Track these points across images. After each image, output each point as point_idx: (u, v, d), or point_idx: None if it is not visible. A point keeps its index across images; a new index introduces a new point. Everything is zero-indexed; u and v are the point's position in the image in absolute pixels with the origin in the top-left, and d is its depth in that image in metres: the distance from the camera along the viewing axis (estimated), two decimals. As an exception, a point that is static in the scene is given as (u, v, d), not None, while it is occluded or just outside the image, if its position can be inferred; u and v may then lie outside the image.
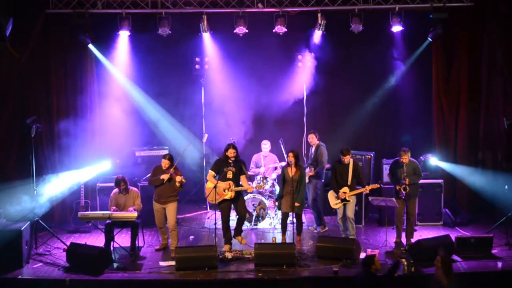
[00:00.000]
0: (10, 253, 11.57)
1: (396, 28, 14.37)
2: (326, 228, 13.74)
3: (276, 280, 10.99)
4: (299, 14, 14.55)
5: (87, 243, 12.58)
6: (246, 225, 13.48)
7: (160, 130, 15.58)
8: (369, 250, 12.01)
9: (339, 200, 12.65)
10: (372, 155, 14.78)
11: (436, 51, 14.91)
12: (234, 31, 14.48)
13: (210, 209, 15.13)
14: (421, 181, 13.32)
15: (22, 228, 11.72)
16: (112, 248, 12.10)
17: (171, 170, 12.17)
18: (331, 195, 12.83)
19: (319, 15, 14.39)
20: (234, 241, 12.53)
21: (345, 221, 12.76)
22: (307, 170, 13.65)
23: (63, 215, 14.38)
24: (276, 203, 12.96)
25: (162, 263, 11.81)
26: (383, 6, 14.33)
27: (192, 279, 11.03)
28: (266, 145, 14.87)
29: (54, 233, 13.09)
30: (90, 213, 12.88)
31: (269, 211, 14.06)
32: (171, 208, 12.31)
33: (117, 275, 11.26)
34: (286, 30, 14.46)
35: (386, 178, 13.89)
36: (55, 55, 14.61)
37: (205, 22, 14.46)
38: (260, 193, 14.15)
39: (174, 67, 15.54)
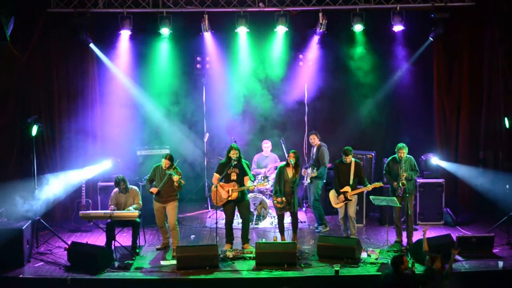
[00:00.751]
0: (11, 252, 11.59)
1: (398, 28, 14.35)
2: (328, 228, 13.74)
3: (277, 279, 10.98)
4: (300, 13, 14.55)
5: (88, 242, 12.55)
6: (249, 226, 13.47)
7: (161, 129, 15.57)
8: (370, 250, 12.00)
9: (341, 200, 12.64)
10: (373, 154, 14.79)
11: (437, 50, 14.90)
12: (235, 30, 14.48)
13: (211, 208, 15.12)
14: (422, 180, 13.34)
15: (23, 227, 11.73)
16: (113, 247, 12.12)
17: (171, 170, 12.15)
18: (332, 194, 12.83)
19: (320, 14, 14.38)
20: (235, 240, 12.53)
21: (346, 220, 12.76)
22: (309, 170, 13.65)
23: (64, 214, 14.39)
24: (279, 202, 12.85)
25: (163, 262, 11.82)
26: (384, 6, 14.33)
27: (193, 278, 11.03)
28: (267, 144, 14.87)
29: (55, 232, 13.09)
30: (91, 212, 12.89)
31: (270, 211, 14.06)
32: (171, 207, 12.31)
33: (118, 274, 11.27)
34: (287, 29, 14.46)
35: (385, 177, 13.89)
36: (56, 54, 14.60)
37: (206, 21, 14.46)
38: (261, 192, 14.15)
39: (175, 67, 15.52)
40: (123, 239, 12.89)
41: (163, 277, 11.18)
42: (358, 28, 14.39)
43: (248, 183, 12.42)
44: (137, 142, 15.30)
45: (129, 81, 15.26)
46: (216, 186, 12.24)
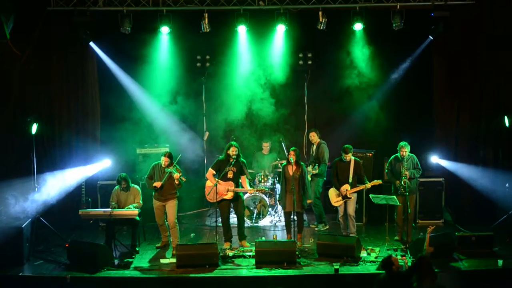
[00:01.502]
0: (11, 251, 11.61)
1: (398, 26, 14.34)
2: (327, 226, 13.76)
3: (277, 277, 10.98)
4: (300, 11, 14.52)
5: (88, 241, 12.59)
6: (247, 223, 13.51)
7: (161, 127, 15.55)
8: (369, 248, 12.00)
9: (340, 198, 12.65)
10: (373, 153, 14.78)
11: (437, 49, 14.91)
12: (235, 29, 14.47)
13: (210, 206, 15.13)
14: (422, 179, 13.32)
15: (23, 226, 11.75)
16: (113, 246, 12.12)
17: (171, 167, 12.16)
18: (332, 193, 12.84)
19: (320, 13, 14.36)
20: (234, 238, 12.55)
21: (346, 219, 12.77)
22: (309, 168, 13.66)
23: (64, 213, 14.38)
24: (279, 202, 12.93)
25: (162, 261, 11.82)
26: (384, 4, 14.31)
27: (193, 276, 11.03)
28: (266, 144, 14.88)
29: (55, 231, 13.10)
30: (91, 210, 12.87)
31: (269, 209, 14.07)
32: (171, 205, 12.31)
33: (117, 272, 11.27)
34: (287, 27, 14.45)
35: (387, 175, 13.90)
36: (56, 53, 14.61)
37: (206, 20, 14.43)
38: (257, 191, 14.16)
39: (175, 65, 15.51)
40: (123, 237, 12.90)
41: (162, 275, 11.17)
42: (358, 26, 14.38)
43: (247, 185, 12.42)
44: (137, 141, 15.29)
45: (129, 80, 15.26)
46: (216, 184, 12.24)
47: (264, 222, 14.07)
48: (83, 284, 11.01)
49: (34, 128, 12.96)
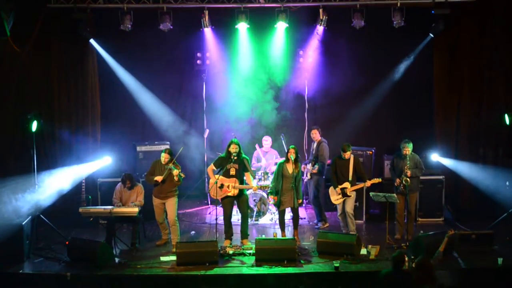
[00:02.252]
0: (12, 248, 11.60)
1: (398, 24, 14.33)
2: (327, 224, 13.76)
3: (277, 275, 10.99)
4: (300, 9, 14.52)
5: (88, 238, 12.59)
6: (248, 221, 13.48)
7: (161, 125, 15.55)
8: (369, 246, 12.00)
9: (340, 196, 12.65)
10: (373, 151, 14.78)
11: (437, 47, 14.90)
12: (236, 26, 14.46)
13: (211, 204, 15.14)
14: (422, 177, 13.31)
15: (23, 223, 11.75)
16: (113, 243, 12.13)
17: (171, 164, 12.16)
18: (331, 190, 12.84)
19: (320, 10, 14.36)
20: (234, 236, 12.55)
21: (345, 217, 12.78)
22: (309, 166, 13.66)
23: (64, 210, 14.37)
24: (272, 199, 12.91)
25: (163, 258, 11.82)
26: (384, 2, 14.31)
27: (193, 274, 11.04)
28: (267, 141, 14.88)
29: (55, 228, 13.10)
30: (91, 208, 12.86)
31: (270, 207, 14.08)
32: (171, 203, 12.32)
33: (118, 270, 11.28)
34: (287, 25, 14.44)
35: (387, 173, 13.90)
36: (56, 50, 14.60)
37: (207, 17, 14.43)
38: (260, 188, 14.16)
39: (176, 62, 15.52)
40: (123, 235, 12.90)
41: (162, 273, 11.18)
42: (359, 24, 14.37)
43: (252, 182, 12.42)
44: (137, 138, 15.29)
45: (129, 77, 15.25)
46: (216, 182, 12.23)
47: (264, 220, 14.07)
48: (83, 282, 11.02)
49: (34, 125, 12.95)
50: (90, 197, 13.87)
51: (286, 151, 12.84)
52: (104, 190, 13.89)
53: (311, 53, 15.41)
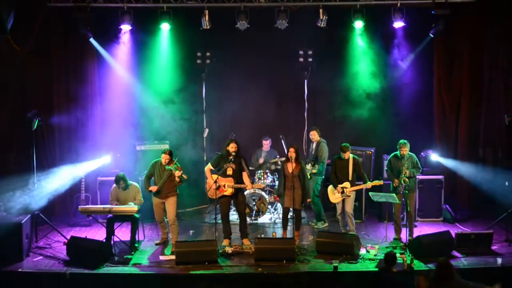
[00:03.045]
0: (11, 246, 11.60)
1: (398, 24, 14.34)
2: (326, 224, 13.76)
3: (276, 274, 10.99)
4: (300, 9, 14.51)
5: (88, 237, 12.60)
6: (246, 220, 13.48)
7: (161, 124, 15.54)
8: (368, 246, 12.01)
9: (339, 195, 12.66)
10: (372, 150, 14.79)
11: (437, 47, 14.91)
12: (236, 26, 14.45)
13: (210, 203, 15.13)
14: (422, 177, 13.34)
15: (22, 221, 11.74)
16: (112, 242, 12.13)
17: (172, 165, 12.16)
18: (330, 190, 12.84)
19: (320, 10, 14.35)
20: (233, 235, 12.55)
21: (344, 216, 12.78)
22: (308, 166, 13.66)
23: (64, 209, 14.40)
24: (278, 198, 12.95)
25: (162, 257, 11.83)
26: (385, 2, 14.33)
27: (192, 273, 11.04)
28: (267, 141, 14.87)
29: (55, 227, 13.11)
30: (90, 206, 12.88)
31: (269, 206, 14.08)
32: (170, 202, 12.31)
33: (117, 269, 11.27)
34: (287, 25, 14.43)
35: (386, 173, 13.89)
36: (56, 49, 14.60)
37: (207, 16, 14.41)
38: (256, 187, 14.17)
39: (175, 62, 15.51)
40: (122, 234, 12.91)
41: (162, 272, 11.18)
42: (358, 24, 14.39)
43: (248, 181, 12.42)
44: (137, 137, 15.28)
45: (129, 76, 15.26)
46: (216, 181, 12.23)
47: (264, 219, 14.08)
48: (83, 280, 11.01)
49: (34, 124, 12.95)
50: (89, 195, 13.87)
51: (286, 151, 12.84)
52: (103, 188, 13.88)
53: (311, 53, 15.39)
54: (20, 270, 11.31)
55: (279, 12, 14.26)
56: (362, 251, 11.86)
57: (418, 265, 11.06)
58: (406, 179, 12.34)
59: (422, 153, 14.42)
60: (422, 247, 11.56)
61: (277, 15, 14.27)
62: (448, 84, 14.93)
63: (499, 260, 11.50)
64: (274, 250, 11.55)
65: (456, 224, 13.77)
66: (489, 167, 14.53)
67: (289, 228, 12.71)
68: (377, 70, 15.25)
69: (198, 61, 15.47)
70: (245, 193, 13.38)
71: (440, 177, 14.14)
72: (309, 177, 13.58)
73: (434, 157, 14.45)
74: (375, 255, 11.69)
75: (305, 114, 15.79)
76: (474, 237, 12.08)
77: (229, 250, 11.90)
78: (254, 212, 13.96)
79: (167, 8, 14.28)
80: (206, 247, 11.52)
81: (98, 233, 13.14)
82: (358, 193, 13.31)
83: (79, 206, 12.56)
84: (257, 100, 15.56)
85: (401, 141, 12.57)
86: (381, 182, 12.72)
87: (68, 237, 12.27)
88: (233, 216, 12.92)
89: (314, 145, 13.86)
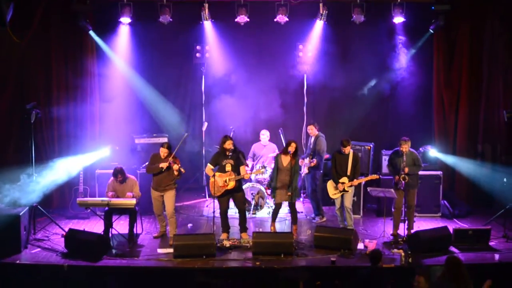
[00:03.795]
0: (8, 238, 11.56)
1: (398, 20, 14.34)
2: (325, 219, 13.76)
3: (274, 269, 11.00)
4: (300, 3, 14.49)
5: (86, 229, 12.59)
6: (246, 216, 13.48)
7: (159, 117, 15.54)
8: (366, 241, 12.02)
9: (338, 190, 12.66)
10: (371, 146, 14.78)
11: (437, 43, 14.92)
12: (235, 20, 14.43)
13: (209, 197, 15.13)
14: (420, 172, 13.32)
15: (20, 213, 11.72)
16: (110, 235, 12.14)
17: (170, 158, 12.16)
18: (330, 185, 12.84)
19: (320, 5, 14.36)
20: (231, 230, 12.56)
21: (343, 211, 12.79)
22: (306, 160, 13.65)
23: (62, 201, 14.40)
24: (269, 191, 12.91)
25: (160, 250, 11.83)
26: (385, -3, 14.35)
27: (190, 266, 11.05)
28: (264, 135, 14.86)
29: (53, 219, 13.11)
30: (88, 199, 12.86)
31: (268, 200, 14.08)
32: (169, 196, 12.31)
33: (115, 262, 11.27)
34: (287, 19, 14.42)
35: (385, 169, 13.88)
36: (55, 41, 14.56)
37: (206, 10, 14.41)
38: (259, 182, 14.17)
39: (175, 55, 15.51)
40: (121, 226, 12.89)
41: (159, 265, 11.19)
42: (358, 19, 14.37)
43: (245, 172, 12.44)
44: (136, 130, 15.27)
45: (128, 69, 15.25)
46: (214, 176, 12.23)
47: (262, 213, 14.08)
48: (81, 273, 11.00)
49: (33, 116, 12.93)
50: (87, 188, 13.86)
51: (284, 144, 12.83)
52: (102, 181, 13.85)
53: (311, 48, 15.38)
54: (18, 262, 11.31)
55: (279, 6, 14.24)
56: (360, 246, 11.87)
57: (415, 260, 11.06)
58: (406, 176, 12.33)
59: (421, 149, 14.41)
60: (420, 243, 11.57)
61: (277, 9, 14.25)
62: (447, 80, 14.93)
63: (497, 256, 11.50)
64: (272, 244, 11.55)
65: (454, 220, 13.77)
66: (487, 163, 14.56)
67: (287, 222, 12.71)
68: (377, 65, 15.24)
69: (198, 55, 15.45)
70: (244, 187, 13.39)
71: (439, 173, 14.15)
72: (307, 171, 13.61)
73: (433, 152, 14.45)
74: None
75: (304, 109, 15.79)
76: (472, 233, 12.11)
77: (227, 244, 11.90)
78: (252, 206, 13.96)
79: (166, 1, 14.25)
80: (204, 241, 11.52)
81: (96, 226, 13.14)
82: (357, 188, 13.30)
83: (78, 199, 12.55)
84: (256, 94, 15.54)
85: (402, 138, 12.54)
86: (377, 177, 12.72)
87: (66, 229, 12.25)
88: (232, 210, 12.90)
89: (312, 139, 13.85)
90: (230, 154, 12.28)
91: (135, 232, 12.55)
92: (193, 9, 14.63)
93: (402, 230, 12.44)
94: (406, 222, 12.57)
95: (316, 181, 13.71)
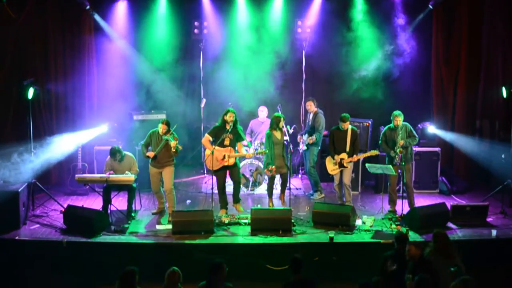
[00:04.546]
0: (7, 214, 11.61)
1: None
2: (323, 195, 13.78)
3: (272, 245, 11.04)
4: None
5: (84, 206, 12.61)
6: (243, 190, 13.51)
7: (158, 93, 15.48)
8: (364, 217, 12.05)
9: (336, 166, 12.67)
10: (370, 122, 14.77)
11: (436, 18, 14.86)
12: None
13: (207, 173, 15.15)
14: (418, 149, 13.35)
15: (19, 190, 11.74)
16: (109, 211, 12.16)
17: (168, 135, 12.13)
18: (328, 161, 12.85)
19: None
20: (230, 206, 12.59)
21: (342, 187, 12.81)
22: (305, 137, 13.65)
23: (61, 177, 14.41)
24: (269, 171, 12.88)
25: (158, 227, 11.85)
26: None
27: (188, 243, 11.08)
28: (263, 111, 14.82)
29: (51, 195, 13.13)
30: (87, 175, 12.84)
31: (265, 177, 14.09)
32: (167, 172, 12.32)
33: (113, 238, 11.31)
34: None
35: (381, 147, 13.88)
36: (53, 17, 14.45)
37: (205, -14, 14.35)
38: (257, 158, 14.17)
39: (173, 31, 15.42)
40: (119, 203, 12.91)
41: (158, 241, 11.22)
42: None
43: (242, 150, 12.44)
44: (134, 107, 15.23)
45: (126, 45, 15.17)
46: (213, 152, 12.21)
47: (260, 190, 14.09)
48: (79, 249, 11.05)
49: (31, 92, 12.89)
50: (86, 164, 13.87)
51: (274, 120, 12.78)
52: (100, 157, 13.85)
53: (310, 24, 15.31)
54: (17, 238, 11.35)
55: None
56: (358, 222, 11.90)
57: (413, 236, 11.09)
58: (402, 150, 12.32)
59: (419, 125, 14.41)
60: (417, 219, 11.59)
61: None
62: (446, 56, 14.89)
63: (494, 232, 11.54)
64: (270, 220, 11.58)
65: (452, 196, 13.80)
66: (486, 139, 14.55)
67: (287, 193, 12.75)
68: (376, 41, 15.17)
69: (196, 31, 15.38)
70: (242, 163, 13.40)
71: (437, 149, 14.15)
72: (305, 147, 13.61)
73: (431, 129, 14.45)
74: (370, 226, 11.74)
75: (303, 85, 15.74)
76: (469, 209, 12.15)
77: (225, 220, 11.94)
78: (250, 183, 13.98)
79: (165, -23, 14.18)
80: (203, 217, 11.55)
81: (95, 202, 13.17)
82: (355, 164, 13.32)
83: (76, 175, 12.56)
84: (255, 70, 15.45)
85: (394, 112, 12.53)
86: (377, 152, 12.71)
87: (65, 205, 12.27)
88: (229, 186, 12.92)
89: (311, 115, 13.83)
90: (230, 128, 12.24)
91: (133, 208, 12.58)
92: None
93: (400, 206, 12.42)
94: (406, 200, 12.56)
95: (315, 157, 13.71)
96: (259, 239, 11.19)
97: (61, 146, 13.55)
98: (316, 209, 12.06)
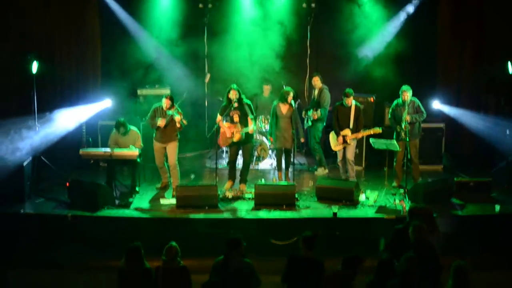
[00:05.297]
0: (12, 188, 11.68)
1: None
2: (327, 170, 13.79)
3: (276, 220, 11.08)
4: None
5: (89, 180, 12.64)
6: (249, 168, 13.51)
7: (162, 68, 15.43)
8: (368, 192, 12.06)
9: (340, 142, 12.66)
10: (374, 97, 14.73)
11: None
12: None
13: (211, 148, 15.16)
14: (423, 124, 13.30)
15: (24, 164, 11.79)
16: (113, 185, 12.19)
17: (173, 110, 12.12)
18: (332, 137, 12.84)
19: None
20: (237, 181, 12.60)
21: (345, 163, 12.81)
22: (310, 113, 13.63)
23: (65, 152, 14.41)
24: (272, 140, 12.96)
25: (162, 201, 11.90)
26: None
27: (192, 217, 11.13)
28: (267, 86, 14.79)
29: (56, 170, 13.16)
30: (91, 150, 12.85)
31: (270, 151, 14.11)
32: (171, 147, 12.33)
33: (117, 212, 11.39)
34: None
35: (387, 121, 13.85)
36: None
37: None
38: (261, 133, 14.16)
39: (177, 6, 15.33)
40: (123, 177, 12.95)
41: (162, 216, 11.28)
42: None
43: (251, 125, 12.41)
44: (138, 81, 15.19)
45: (130, 19, 15.09)
46: (217, 127, 12.22)
47: (264, 165, 14.12)
48: (84, 223, 11.11)
49: (35, 66, 12.87)
50: (90, 139, 13.88)
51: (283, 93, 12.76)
52: (104, 132, 13.88)
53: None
54: (22, 211, 11.42)
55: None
56: (362, 198, 11.92)
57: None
58: (407, 125, 12.28)
59: (424, 100, 14.35)
60: (421, 194, 11.61)
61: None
62: (452, 31, 14.79)
63: (497, 208, 11.55)
64: (274, 195, 11.62)
65: (456, 171, 13.79)
66: (490, 115, 14.49)
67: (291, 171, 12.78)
68: (380, 15, 15.06)
69: (200, 5, 15.30)
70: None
71: (441, 125, 14.14)
72: (310, 123, 13.59)
73: (436, 104, 14.39)
74: (374, 201, 11.76)
75: (307, 60, 15.69)
76: (473, 184, 12.15)
77: (229, 195, 11.97)
78: (254, 158, 13.99)
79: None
80: (207, 192, 11.59)
81: (99, 177, 13.19)
82: (359, 139, 13.30)
83: (80, 150, 12.55)
84: (260, 45, 15.38)
85: (403, 87, 12.49)
86: (380, 130, 12.67)
87: (69, 180, 12.30)
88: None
89: (316, 91, 13.80)
90: (234, 104, 12.22)
91: (138, 183, 12.61)
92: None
93: (404, 182, 12.44)
94: (410, 174, 12.56)
95: (319, 133, 13.70)
96: (262, 214, 11.22)
97: (65, 120, 13.56)
98: (320, 184, 12.08)
